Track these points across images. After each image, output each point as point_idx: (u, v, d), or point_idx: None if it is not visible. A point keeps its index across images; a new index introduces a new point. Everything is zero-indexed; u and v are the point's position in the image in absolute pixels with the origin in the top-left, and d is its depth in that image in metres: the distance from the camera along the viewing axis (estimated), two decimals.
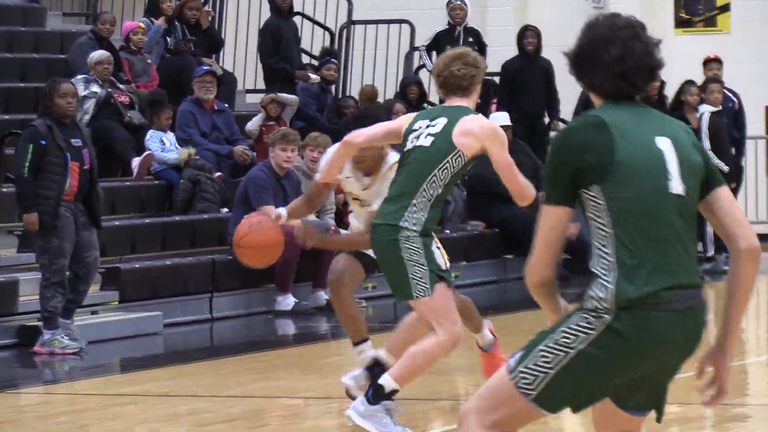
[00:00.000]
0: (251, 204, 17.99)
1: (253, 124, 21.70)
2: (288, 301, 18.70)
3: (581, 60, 5.04)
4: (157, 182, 20.10)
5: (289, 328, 19.13)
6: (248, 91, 26.49)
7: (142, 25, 21.79)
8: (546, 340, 4.97)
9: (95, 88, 20.21)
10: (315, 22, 28.11)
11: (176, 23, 22.60)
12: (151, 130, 20.27)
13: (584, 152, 4.90)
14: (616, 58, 4.91)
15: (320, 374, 15.01)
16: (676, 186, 4.94)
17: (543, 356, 4.95)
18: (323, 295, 18.63)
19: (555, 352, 4.91)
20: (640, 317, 4.91)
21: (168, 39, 22.64)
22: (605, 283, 4.83)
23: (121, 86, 20.81)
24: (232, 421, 12.41)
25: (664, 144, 5.00)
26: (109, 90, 20.53)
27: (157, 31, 22.46)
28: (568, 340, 4.91)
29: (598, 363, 4.90)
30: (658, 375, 5.18)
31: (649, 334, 4.91)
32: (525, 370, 4.93)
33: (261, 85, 25.78)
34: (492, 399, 5.12)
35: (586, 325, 4.84)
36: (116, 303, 17.53)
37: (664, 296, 4.87)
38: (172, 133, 20.22)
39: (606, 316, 4.84)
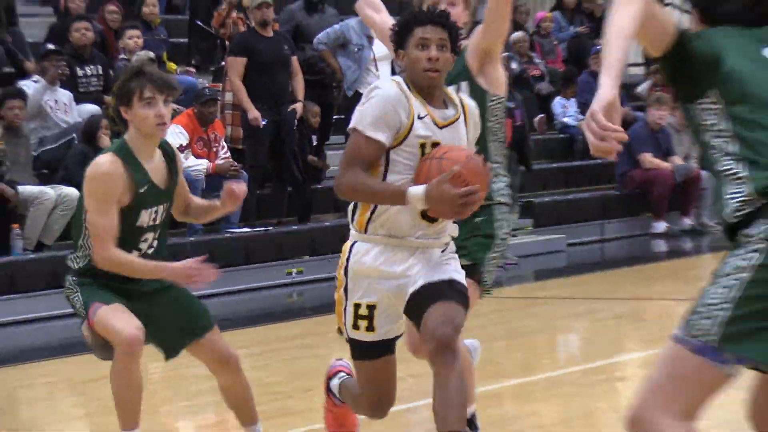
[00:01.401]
0: (633, 154, 21.42)
1: (642, 89, 24.70)
2: (661, 226, 21.81)
3: None
4: (561, 136, 23.22)
5: (662, 246, 22.06)
6: (631, 65, 28.55)
7: (549, 15, 25.53)
8: (711, 286, 4.51)
9: (514, 65, 22.49)
10: None
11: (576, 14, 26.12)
12: (558, 98, 23.45)
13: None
14: None
15: (687, 283, 16.77)
16: None
17: (712, 297, 4.49)
18: (688, 221, 21.93)
19: (723, 287, 4.45)
20: None
21: (571, 27, 26.12)
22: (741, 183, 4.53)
23: (536, 62, 24.24)
24: (618, 318, 14.81)
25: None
26: (524, 66, 23.61)
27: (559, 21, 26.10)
28: (734, 270, 4.47)
29: None
30: None
31: None
32: (695, 318, 4.47)
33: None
34: (670, 381, 4.54)
35: (747, 243, 4.45)
36: (530, 228, 20.80)
37: None
38: (574, 100, 23.35)
39: (761, 221, 4.48)
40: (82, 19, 18.15)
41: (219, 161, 16.83)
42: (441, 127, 6.27)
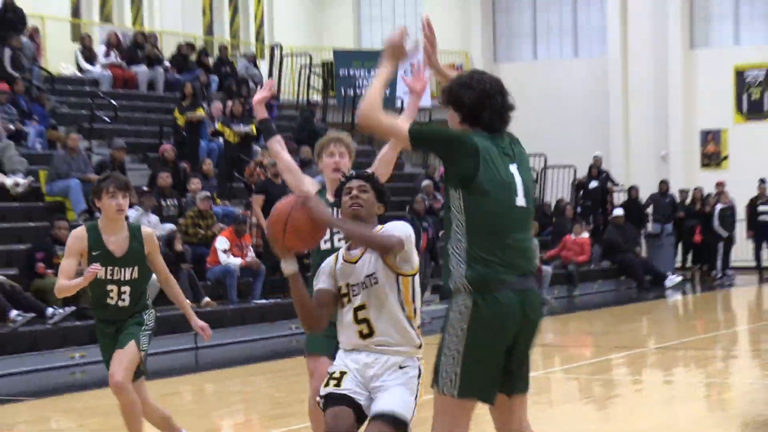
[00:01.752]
0: None
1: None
2: None
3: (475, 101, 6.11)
4: None
5: None
6: None
7: None
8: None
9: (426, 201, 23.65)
10: None
11: None
12: None
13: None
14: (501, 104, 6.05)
15: None
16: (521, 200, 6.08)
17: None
18: None
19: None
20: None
21: None
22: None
23: (438, 198, 24.75)
24: None
25: (513, 168, 6.05)
26: (431, 201, 24.28)
27: None
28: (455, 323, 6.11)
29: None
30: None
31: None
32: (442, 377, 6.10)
33: None
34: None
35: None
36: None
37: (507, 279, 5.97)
38: None
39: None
40: (164, 170, 21.19)
41: (247, 259, 19.82)
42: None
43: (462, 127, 6.10)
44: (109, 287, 8.43)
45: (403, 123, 6.16)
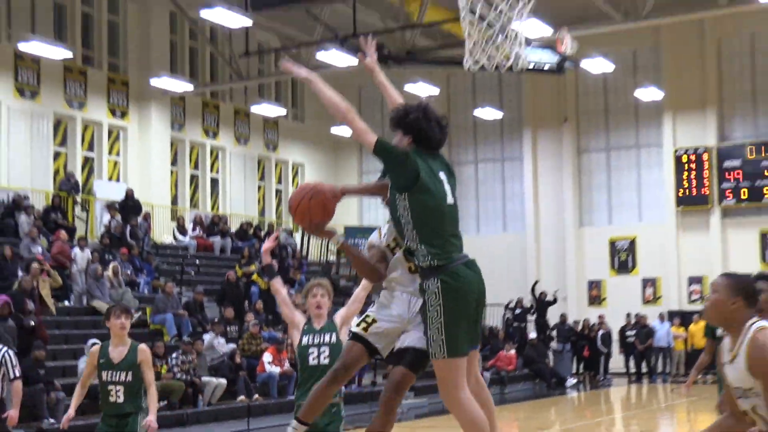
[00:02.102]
0: None
1: None
2: None
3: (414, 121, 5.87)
4: None
5: None
6: None
7: None
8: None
9: None
10: None
11: None
12: None
13: None
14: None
15: None
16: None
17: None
18: None
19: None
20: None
21: None
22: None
23: None
24: None
25: (442, 175, 5.83)
26: None
27: None
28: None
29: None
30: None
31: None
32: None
33: None
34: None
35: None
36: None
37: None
38: None
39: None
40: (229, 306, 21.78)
41: (285, 368, 19.66)
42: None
43: (408, 145, 5.84)
44: (109, 387, 8.01)
45: (371, 132, 5.83)
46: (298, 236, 31.51)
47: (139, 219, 25.22)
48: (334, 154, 36.62)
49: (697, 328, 28.39)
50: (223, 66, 29.46)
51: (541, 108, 34.06)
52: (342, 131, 34.40)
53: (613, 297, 32.39)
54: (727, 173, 31.24)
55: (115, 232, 23.58)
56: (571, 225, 33.22)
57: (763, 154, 30.83)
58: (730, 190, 31.20)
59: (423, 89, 30.03)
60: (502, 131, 35.09)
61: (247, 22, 23.90)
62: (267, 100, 32.48)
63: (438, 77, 32.50)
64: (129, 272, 22.27)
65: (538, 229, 33.81)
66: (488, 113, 33.44)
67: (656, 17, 25.22)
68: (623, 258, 32.93)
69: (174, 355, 17.96)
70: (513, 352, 27.14)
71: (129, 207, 25.14)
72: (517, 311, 30.37)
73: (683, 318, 30.18)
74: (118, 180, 27.45)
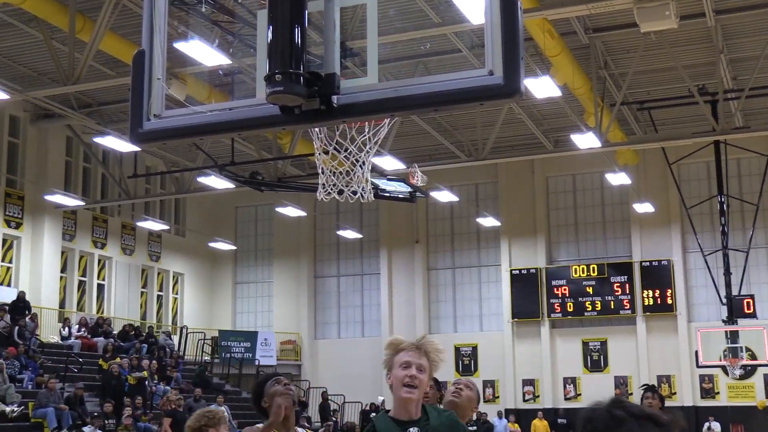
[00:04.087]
0: None
1: None
2: None
3: None
4: None
5: None
6: None
7: None
8: None
9: None
10: None
11: None
12: None
13: None
14: None
15: None
16: None
17: None
18: None
19: None
20: None
21: None
22: None
23: None
24: None
25: None
26: None
27: None
28: None
29: None
30: None
31: None
32: None
33: None
34: None
35: None
36: None
37: None
38: None
39: None
40: (108, 402, 22.60)
41: None
42: None
43: None
44: None
45: None
46: (176, 338, 31.03)
47: (27, 319, 24.36)
48: (211, 265, 36.33)
49: (541, 423, 28.83)
50: (113, 185, 29.20)
51: (396, 230, 34.64)
52: (218, 245, 34.38)
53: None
54: (555, 290, 32.12)
55: (3, 331, 22.69)
56: (422, 331, 33.19)
57: (585, 274, 31.87)
58: (557, 305, 32.02)
59: (292, 212, 30.79)
60: (361, 249, 35.47)
61: (135, 147, 23.69)
62: (152, 216, 32.33)
63: (306, 201, 32.84)
64: (14, 370, 21.46)
65: (392, 334, 33.76)
66: (350, 234, 33.84)
67: (494, 157, 26.20)
68: (467, 362, 33.20)
69: None
70: None
71: (19, 308, 24.32)
72: (371, 414, 30.00)
73: (518, 415, 30.49)
74: (9, 285, 26.63)
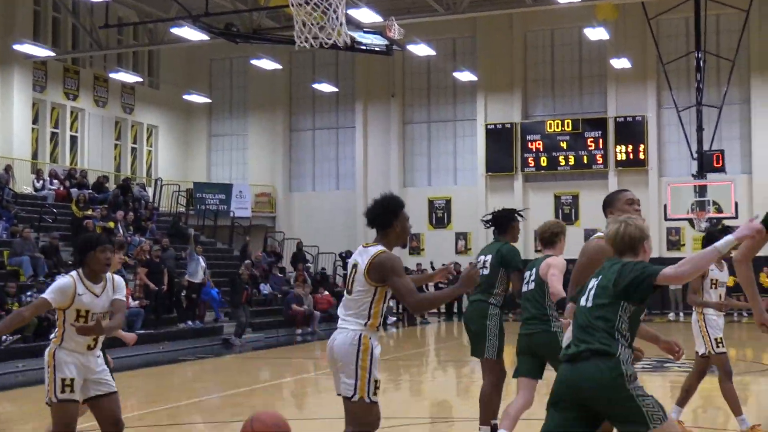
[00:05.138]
0: None
1: None
2: None
3: None
4: None
5: None
6: None
7: None
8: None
9: None
10: None
11: None
12: None
13: None
14: None
15: None
16: None
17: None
18: None
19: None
20: None
21: None
22: None
23: None
24: None
25: None
26: None
27: None
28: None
29: None
30: None
31: None
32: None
33: None
34: None
35: None
36: None
37: None
38: None
39: None
40: None
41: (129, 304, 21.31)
42: None
43: None
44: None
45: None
46: (150, 190, 30.86)
47: (1, 170, 24.02)
48: (186, 117, 35.86)
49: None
50: (84, 36, 28.35)
51: (372, 84, 34.25)
52: (192, 98, 33.88)
53: (431, 248, 32.77)
54: (529, 144, 32.12)
55: None
56: (396, 185, 33.38)
57: (559, 129, 31.82)
58: (531, 159, 32.07)
59: (267, 65, 30.17)
60: (337, 102, 35.14)
61: None
62: (125, 68, 31.57)
63: (281, 54, 32.28)
64: None
65: (366, 188, 34.03)
66: (325, 87, 33.39)
67: (472, 11, 25.79)
68: (440, 215, 33.44)
69: (29, 293, 17.36)
70: (327, 293, 26.19)
71: None
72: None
73: None
74: None
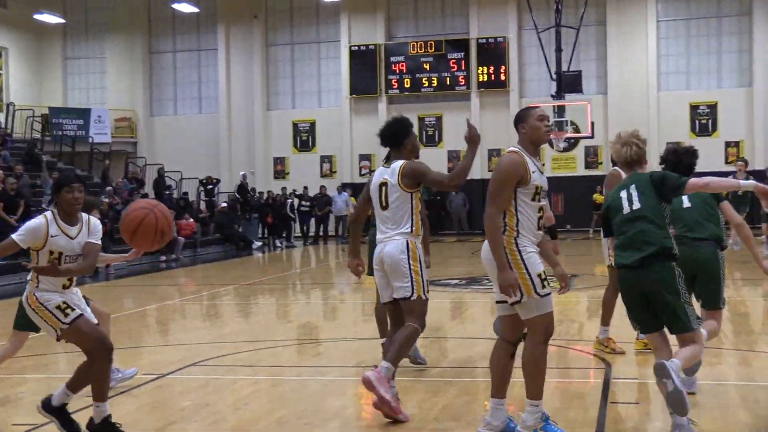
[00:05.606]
0: None
1: None
2: None
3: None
4: None
5: None
6: None
7: None
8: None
9: None
10: None
11: None
12: None
13: None
14: None
15: None
16: None
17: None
18: None
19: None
20: None
21: None
22: None
23: None
24: None
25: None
26: None
27: None
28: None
29: None
30: None
31: None
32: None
33: None
34: None
35: None
36: None
37: None
38: None
39: None
40: None
41: None
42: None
43: None
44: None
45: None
46: (2, 116, 29.58)
47: None
48: (38, 39, 34.34)
49: None
50: None
51: (234, 5, 33.60)
52: (45, 17, 32.34)
53: (295, 172, 32.68)
54: (393, 66, 32.12)
55: None
56: (260, 108, 33.16)
57: (422, 51, 31.89)
58: (395, 81, 32.11)
59: None
60: (198, 24, 34.25)
61: None
62: None
63: None
64: None
65: (230, 111, 33.63)
66: (185, 7, 32.50)
67: None
68: (305, 138, 33.31)
69: None
70: (191, 220, 26.01)
71: None
72: (209, 186, 29.89)
73: (354, 189, 30.89)
74: None
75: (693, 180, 5.31)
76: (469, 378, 7.48)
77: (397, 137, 6.30)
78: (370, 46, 32.29)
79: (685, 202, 6.38)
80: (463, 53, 31.64)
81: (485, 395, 6.57)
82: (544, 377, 5.16)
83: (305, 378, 7.69)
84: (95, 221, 5.76)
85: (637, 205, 5.44)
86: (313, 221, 30.12)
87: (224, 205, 28.33)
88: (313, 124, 33.21)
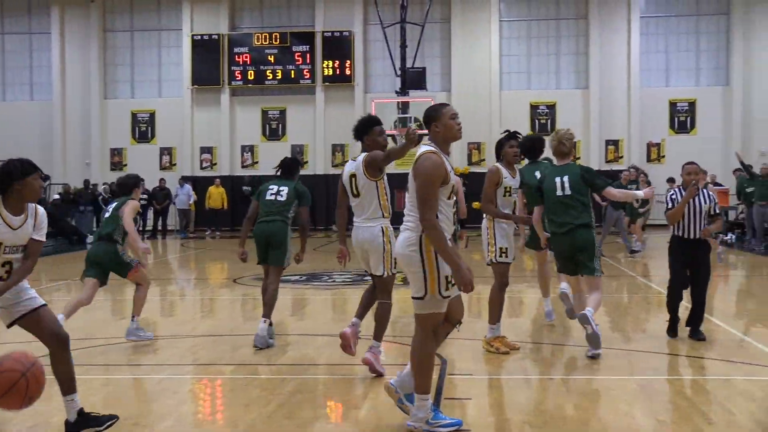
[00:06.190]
0: None
1: None
2: None
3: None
4: None
5: None
6: None
7: None
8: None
9: None
10: None
11: None
12: None
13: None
14: None
15: None
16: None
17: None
18: None
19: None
20: None
21: None
22: None
23: None
24: None
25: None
26: None
27: None
28: None
29: None
30: None
31: None
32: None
33: None
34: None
35: None
36: None
37: None
38: None
39: None
40: None
41: None
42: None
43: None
44: None
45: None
46: None
47: None
48: None
49: (217, 190, 28.93)
50: None
51: None
52: None
53: (133, 163, 31.83)
54: (236, 57, 31.82)
55: None
56: (96, 96, 32.26)
57: (267, 42, 31.71)
58: (239, 72, 31.82)
59: None
60: (29, 6, 33.03)
61: None
62: None
63: None
64: None
65: (64, 99, 32.53)
66: None
67: None
68: (143, 129, 32.56)
69: None
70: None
71: None
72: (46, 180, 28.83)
73: (194, 182, 30.53)
74: None
75: (609, 189, 7.79)
76: (305, 375, 7.46)
77: (358, 132, 7.23)
78: (213, 36, 31.91)
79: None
80: (308, 46, 31.64)
81: (322, 392, 6.58)
82: (431, 372, 5.37)
83: (139, 376, 7.51)
84: (42, 212, 5.51)
85: (568, 192, 7.78)
86: (151, 214, 29.38)
87: (57, 197, 27.38)
88: (152, 115, 32.53)
